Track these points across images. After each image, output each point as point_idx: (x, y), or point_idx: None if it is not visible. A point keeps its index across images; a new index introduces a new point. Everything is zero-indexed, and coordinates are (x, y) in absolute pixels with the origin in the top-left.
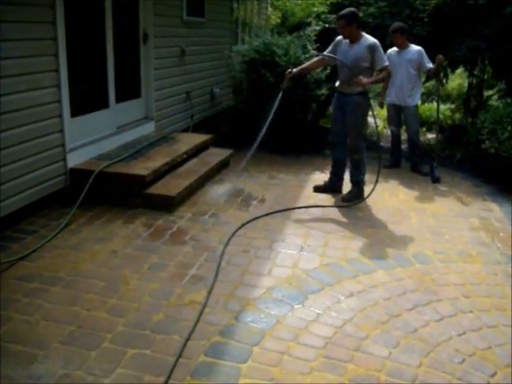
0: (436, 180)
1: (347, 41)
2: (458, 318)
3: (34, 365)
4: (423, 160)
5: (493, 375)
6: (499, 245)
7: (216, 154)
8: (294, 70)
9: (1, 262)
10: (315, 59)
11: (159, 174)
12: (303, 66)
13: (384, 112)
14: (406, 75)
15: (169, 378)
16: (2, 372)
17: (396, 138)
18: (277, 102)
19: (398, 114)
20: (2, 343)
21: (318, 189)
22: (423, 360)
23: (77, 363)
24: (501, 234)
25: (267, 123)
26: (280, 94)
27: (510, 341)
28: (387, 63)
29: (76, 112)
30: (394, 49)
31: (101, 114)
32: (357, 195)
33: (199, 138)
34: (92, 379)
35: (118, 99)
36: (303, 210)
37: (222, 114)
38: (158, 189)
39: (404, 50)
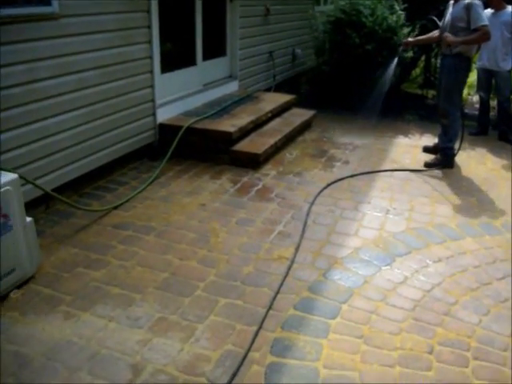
0: None
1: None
2: None
3: (132, 307)
4: None
5: None
6: None
7: (299, 115)
8: (410, 39)
9: (97, 210)
10: (435, 32)
11: (245, 132)
12: (421, 37)
13: (471, 78)
14: (499, 38)
15: (260, 327)
16: (104, 312)
17: (484, 104)
18: (392, 68)
19: (488, 79)
20: (102, 285)
21: (426, 149)
22: None
23: (172, 308)
24: None
25: (385, 90)
26: (395, 60)
27: None
28: (484, 23)
29: (165, 68)
30: (489, 10)
31: (188, 71)
32: (440, 162)
33: (283, 98)
34: (187, 323)
35: (205, 57)
36: (388, 173)
37: (302, 75)
38: (243, 146)
39: (499, 12)
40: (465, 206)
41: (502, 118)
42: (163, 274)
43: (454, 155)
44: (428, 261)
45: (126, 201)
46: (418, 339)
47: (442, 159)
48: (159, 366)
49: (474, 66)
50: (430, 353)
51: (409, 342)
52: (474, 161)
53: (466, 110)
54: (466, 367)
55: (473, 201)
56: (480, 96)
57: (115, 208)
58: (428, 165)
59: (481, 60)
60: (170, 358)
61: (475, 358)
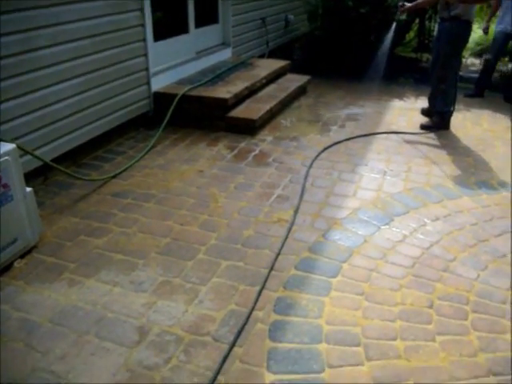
0: None
1: None
2: None
3: (135, 272)
4: None
5: None
6: None
7: (294, 80)
8: (407, 4)
9: (96, 179)
10: None
11: (240, 98)
12: (418, 1)
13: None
14: None
15: (263, 287)
16: (108, 277)
17: (490, 67)
18: (392, 34)
19: (506, 44)
20: (104, 252)
21: (424, 112)
22: None
23: (175, 271)
24: None
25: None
26: (394, 26)
27: None
28: None
29: (158, 37)
30: None
31: (181, 39)
32: (436, 124)
33: (277, 64)
34: (190, 286)
35: (198, 24)
36: (385, 135)
37: (296, 42)
38: (239, 112)
39: None
40: (461, 165)
41: None
42: (165, 240)
43: (450, 117)
44: (426, 220)
45: (125, 170)
46: (417, 295)
47: (438, 122)
48: (165, 327)
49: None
50: (430, 307)
51: (409, 298)
52: (469, 122)
53: (461, 73)
54: (466, 320)
55: (469, 160)
56: (487, 59)
57: (114, 177)
58: (424, 127)
59: (502, 23)
60: (175, 319)
61: (474, 311)
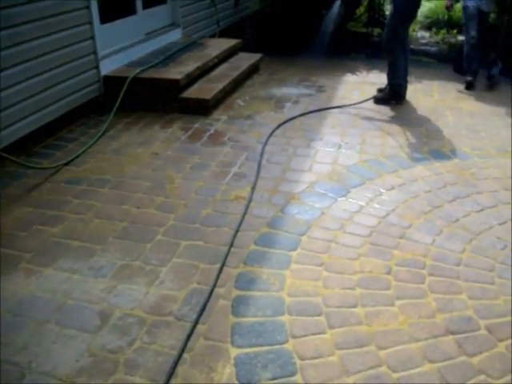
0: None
1: None
2: (499, 208)
3: (93, 258)
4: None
5: None
6: None
7: (246, 59)
8: None
9: (48, 167)
10: None
11: (192, 79)
12: None
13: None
14: None
15: (223, 264)
16: (66, 265)
17: (476, 47)
18: (337, 7)
19: (481, 21)
20: (61, 240)
21: (380, 90)
22: (466, 246)
23: (134, 255)
24: None
25: (329, 29)
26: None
27: None
28: None
29: (105, 19)
30: None
31: (129, 21)
32: (389, 97)
33: (228, 43)
34: (150, 268)
35: (145, 5)
36: (338, 109)
37: (247, 20)
38: (192, 93)
39: None
40: (414, 135)
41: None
42: (122, 224)
43: (403, 91)
44: (381, 189)
45: (77, 156)
46: (376, 262)
47: (391, 95)
48: (127, 310)
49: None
50: (388, 273)
51: (367, 266)
52: (420, 93)
53: (412, 46)
54: (423, 283)
55: (422, 130)
56: (471, 37)
57: (66, 164)
58: (377, 100)
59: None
60: (136, 301)
61: (430, 275)
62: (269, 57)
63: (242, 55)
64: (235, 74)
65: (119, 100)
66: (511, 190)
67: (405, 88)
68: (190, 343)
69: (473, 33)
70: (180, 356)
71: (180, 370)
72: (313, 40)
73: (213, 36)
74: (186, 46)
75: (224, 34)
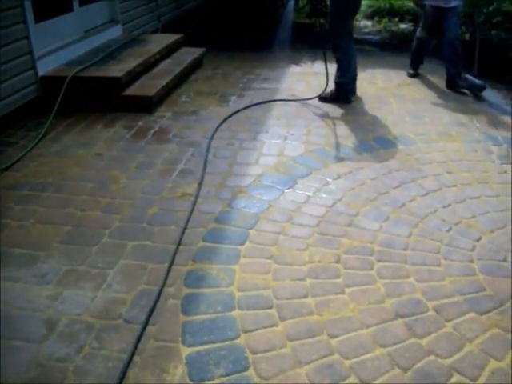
0: (481, 88)
1: None
2: (443, 191)
3: (37, 265)
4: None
5: (478, 239)
6: (478, 124)
7: (189, 53)
8: None
9: None
10: None
11: (134, 76)
12: None
13: None
14: None
15: (172, 263)
16: (7, 274)
17: (425, 46)
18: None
19: (437, 21)
20: (2, 249)
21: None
22: (412, 230)
23: (79, 259)
24: (479, 115)
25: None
26: None
27: (493, 210)
28: None
29: (40, 17)
30: None
31: (66, 19)
32: (335, 97)
33: (170, 38)
34: (97, 271)
35: (82, 2)
36: (283, 102)
37: (190, 14)
38: (134, 90)
39: None
40: (359, 124)
41: (452, 59)
42: (66, 228)
43: (350, 92)
44: (328, 179)
45: (17, 160)
46: (324, 251)
47: (337, 94)
48: (74, 317)
49: None
50: (337, 262)
51: (317, 255)
52: (365, 82)
53: (355, 35)
54: (371, 270)
55: (367, 118)
56: (420, 37)
57: (6, 169)
58: (322, 99)
59: None
60: (83, 307)
61: (379, 261)
62: (213, 51)
63: (184, 50)
64: (178, 69)
65: (59, 101)
66: (453, 173)
67: (352, 88)
68: (140, 345)
69: (423, 33)
70: (130, 359)
71: (131, 373)
72: (256, 33)
73: (155, 31)
74: (127, 42)
75: (166, 29)
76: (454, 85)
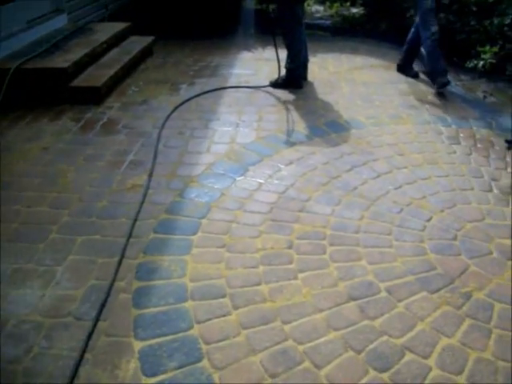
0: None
1: None
2: (394, 174)
3: None
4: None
5: (429, 220)
6: (427, 106)
7: (137, 42)
8: None
9: None
10: None
11: (81, 66)
12: None
13: None
14: None
15: (122, 256)
16: None
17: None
18: None
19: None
20: None
21: None
22: (364, 213)
23: (27, 257)
24: (429, 97)
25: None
26: None
27: (443, 190)
28: None
29: None
30: None
31: (7, 8)
32: (286, 83)
33: (117, 27)
34: (44, 269)
35: None
36: (235, 89)
37: (139, 2)
38: (81, 81)
39: None
40: (311, 108)
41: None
42: (12, 226)
43: (301, 77)
44: (280, 165)
45: None
46: (277, 238)
47: (288, 80)
48: (22, 317)
49: None
50: (290, 248)
51: (269, 242)
52: (316, 66)
53: (307, 21)
54: (324, 254)
55: (318, 103)
56: (430, 36)
57: None
58: (273, 84)
59: None
60: (31, 306)
61: (331, 245)
62: (164, 39)
63: (133, 39)
64: (127, 58)
65: (2, 94)
66: (404, 155)
67: (303, 74)
68: (91, 342)
69: (433, 28)
70: (81, 357)
71: (82, 371)
72: (207, 19)
73: (102, 20)
74: (73, 32)
75: (114, 17)
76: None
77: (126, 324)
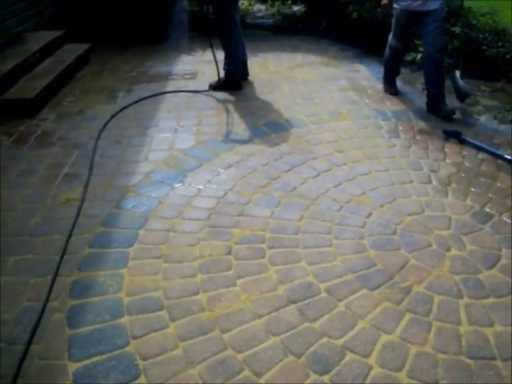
0: (465, 95)
1: None
2: (334, 171)
3: None
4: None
5: (368, 216)
6: (367, 101)
7: (73, 50)
8: None
9: None
10: None
11: (12, 78)
12: None
13: None
14: None
15: (56, 275)
16: None
17: (399, 56)
18: None
19: (410, 26)
20: None
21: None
22: (304, 213)
23: None
24: (368, 92)
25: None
26: None
27: (382, 184)
28: None
29: None
30: None
31: None
32: (225, 84)
33: (51, 35)
34: None
35: None
36: (173, 94)
37: (75, 8)
38: (13, 93)
39: None
40: (251, 110)
41: (433, 77)
42: None
43: (240, 78)
44: (219, 169)
45: None
46: (215, 244)
47: (227, 81)
48: None
49: None
50: (229, 254)
51: (207, 249)
52: (256, 67)
53: (249, 20)
54: (263, 258)
55: (258, 104)
56: (394, 47)
57: None
58: (213, 87)
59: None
60: None
61: (270, 248)
62: (101, 46)
63: (68, 47)
64: (61, 67)
65: None
66: (344, 152)
67: (242, 75)
68: (23, 367)
69: (394, 42)
70: (14, 383)
71: None
72: (149, 24)
73: (37, 29)
74: (3, 43)
75: (51, 25)
76: (434, 108)
77: (60, 345)
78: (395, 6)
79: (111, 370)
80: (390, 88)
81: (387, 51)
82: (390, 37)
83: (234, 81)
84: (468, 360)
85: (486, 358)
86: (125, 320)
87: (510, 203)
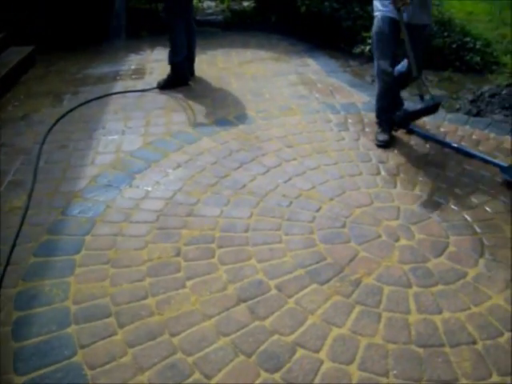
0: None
1: None
2: (283, 167)
3: None
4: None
5: (318, 210)
6: (317, 95)
7: (16, 53)
8: None
9: None
10: None
11: None
12: None
13: None
14: None
15: None
16: None
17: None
18: None
19: (395, 35)
20: None
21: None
22: (253, 211)
23: None
24: (318, 85)
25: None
26: None
27: (332, 178)
28: None
29: None
30: None
31: None
32: (172, 80)
33: None
34: None
35: None
36: (121, 94)
37: (20, 10)
38: None
39: None
40: (199, 107)
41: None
42: None
43: (186, 72)
44: (168, 170)
45: None
46: (164, 246)
47: (173, 76)
48: None
49: None
50: (178, 255)
51: (156, 252)
52: (205, 64)
53: (198, 17)
54: (213, 258)
55: (207, 101)
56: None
57: None
58: (160, 85)
59: (385, 6)
60: None
61: (220, 247)
62: (48, 48)
63: (11, 49)
64: (4, 71)
65: None
66: (293, 147)
67: (188, 68)
68: None
69: (386, 66)
70: None
71: None
72: (94, 24)
73: None
74: None
75: None
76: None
77: (5, 360)
78: (377, 14)
79: (59, 381)
80: (386, 137)
81: (377, 83)
82: (376, 60)
83: (180, 75)
84: (417, 349)
85: (434, 345)
86: (72, 329)
87: (457, 191)
